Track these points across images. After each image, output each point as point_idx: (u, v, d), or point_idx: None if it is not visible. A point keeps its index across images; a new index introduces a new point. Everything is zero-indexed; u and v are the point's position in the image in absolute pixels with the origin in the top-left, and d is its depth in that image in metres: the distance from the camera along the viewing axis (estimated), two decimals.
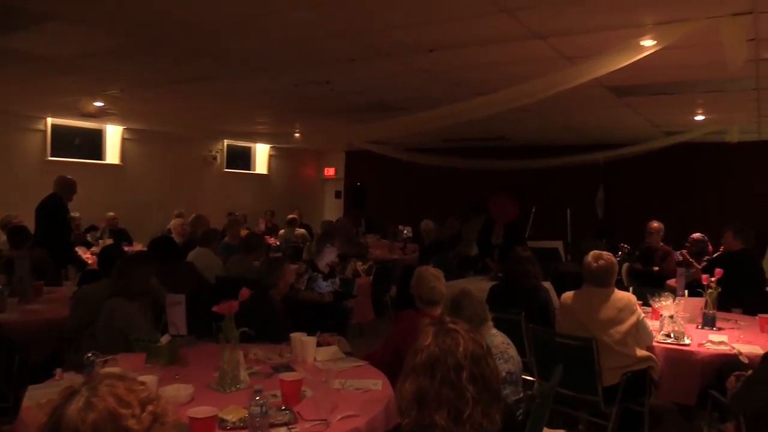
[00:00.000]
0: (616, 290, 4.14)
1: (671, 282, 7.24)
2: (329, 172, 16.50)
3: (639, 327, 4.00)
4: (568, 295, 4.26)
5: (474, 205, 10.53)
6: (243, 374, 2.92)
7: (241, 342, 3.00)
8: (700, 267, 7.08)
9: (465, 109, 5.39)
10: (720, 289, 4.68)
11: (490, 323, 3.17)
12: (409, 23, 4.42)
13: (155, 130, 11.77)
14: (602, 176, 11.74)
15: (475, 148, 12.74)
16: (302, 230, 11.06)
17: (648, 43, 4.37)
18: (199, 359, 3.33)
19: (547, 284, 6.98)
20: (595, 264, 4.08)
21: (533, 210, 11.08)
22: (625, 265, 8.19)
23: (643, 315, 4.07)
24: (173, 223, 8.88)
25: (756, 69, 5.42)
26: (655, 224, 8.10)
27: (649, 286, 7.38)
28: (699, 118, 8.42)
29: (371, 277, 7.54)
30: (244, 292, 3.02)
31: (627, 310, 4.00)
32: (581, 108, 7.97)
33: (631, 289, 6.06)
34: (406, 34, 4.71)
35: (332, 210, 15.92)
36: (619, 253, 9.62)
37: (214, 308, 2.86)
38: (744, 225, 6.69)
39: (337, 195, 16.37)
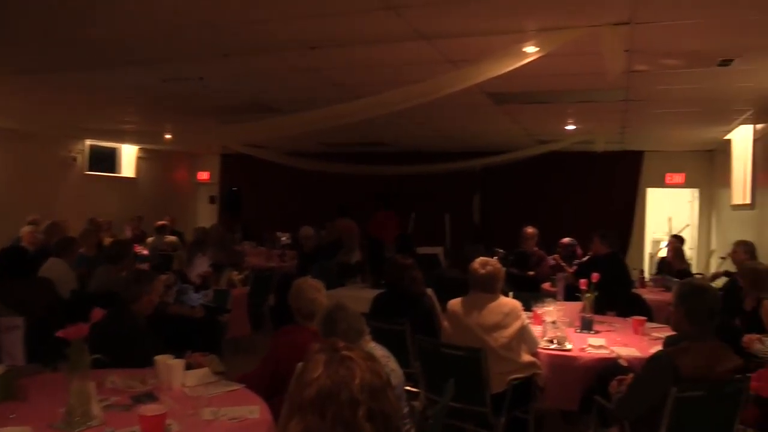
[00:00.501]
0: (502, 296, 4.12)
1: (546, 285, 7.45)
2: (203, 175, 15.71)
3: (524, 332, 4.00)
4: (455, 301, 4.19)
5: (341, 207, 10.43)
6: (95, 408, 2.50)
7: (96, 368, 2.58)
8: (571, 270, 7.34)
9: (344, 111, 5.18)
10: (597, 293, 4.79)
11: (368, 336, 2.96)
12: (288, 16, 4.14)
13: (3, 127, 10.57)
14: (479, 183, 12.02)
15: (355, 153, 12.61)
16: (173, 237, 10.36)
17: (531, 49, 4.38)
18: (43, 393, 2.84)
19: (428, 291, 6.95)
20: (483, 270, 4.04)
21: (412, 216, 11.12)
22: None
23: (528, 321, 4.06)
24: (24, 230, 7.96)
25: (627, 80, 5.65)
26: (530, 229, 8.32)
27: (524, 290, 7.58)
28: (570, 127, 8.78)
29: (248, 288, 7.13)
30: (96, 313, 2.60)
31: (512, 315, 4.00)
32: (461, 115, 8.03)
33: (511, 294, 6.13)
34: (284, 29, 4.43)
35: (206, 216, 15.19)
36: (495, 257, 9.85)
37: (59, 333, 2.42)
38: (609, 230, 7.03)
39: (212, 200, 15.64)
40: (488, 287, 4.03)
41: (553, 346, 4.10)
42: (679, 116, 7.79)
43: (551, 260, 8.20)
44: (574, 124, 8.59)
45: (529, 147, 10.38)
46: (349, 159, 11.89)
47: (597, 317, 4.92)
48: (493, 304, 4.00)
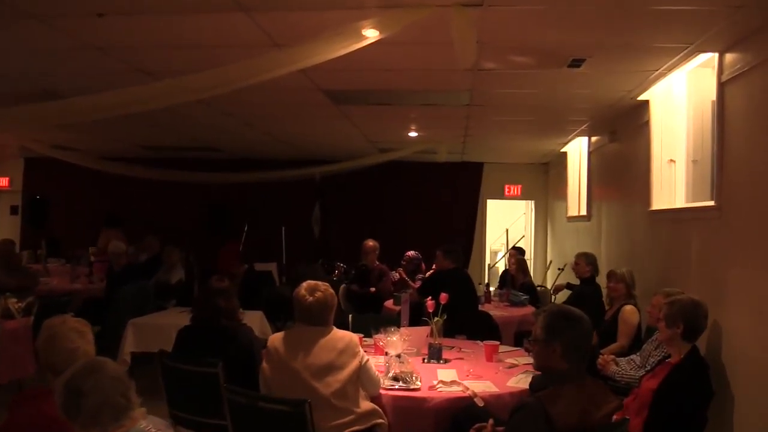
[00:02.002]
0: (335, 329, 3.36)
1: (389, 303, 6.88)
2: (2, 182, 13.52)
3: (362, 373, 3.25)
4: (276, 337, 3.36)
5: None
6: None
7: None
8: (415, 286, 6.85)
9: (141, 95, 4.12)
10: (446, 317, 4.21)
11: (136, 412, 1.97)
12: None
13: None
14: (318, 193, 11.29)
15: (183, 158, 11.36)
16: None
17: (370, 33, 3.70)
18: None
19: (258, 313, 6.07)
20: (310, 298, 3.25)
21: (245, 228, 10.15)
22: (342, 287, 7.71)
23: (367, 357, 3.33)
24: None
25: (472, 81, 5.19)
26: (371, 243, 7.78)
27: (366, 308, 6.96)
28: (412, 134, 8.34)
29: (32, 318, 5.79)
30: None
31: (348, 352, 3.24)
32: (298, 116, 7.25)
33: (350, 317, 5.45)
34: None
35: (7, 229, 13.02)
36: (336, 272, 9.21)
37: None
38: (452, 243, 6.62)
39: (13, 211, 13.51)
40: (317, 319, 3.25)
41: (398, 386, 3.39)
42: (519, 125, 7.62)
43: (395, 275, 7.68)
44: (417, 131, 8.15)
45: (370, 155, 9.85)
46: (176, 165, 10.63)
47: (446, 341, 4.35)
48: (325, 340, 3.23)
